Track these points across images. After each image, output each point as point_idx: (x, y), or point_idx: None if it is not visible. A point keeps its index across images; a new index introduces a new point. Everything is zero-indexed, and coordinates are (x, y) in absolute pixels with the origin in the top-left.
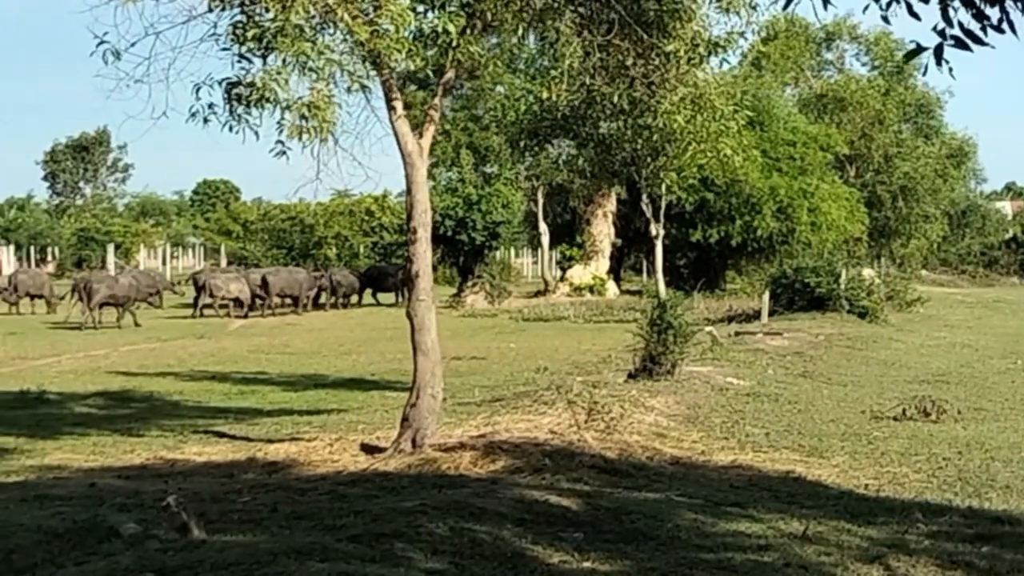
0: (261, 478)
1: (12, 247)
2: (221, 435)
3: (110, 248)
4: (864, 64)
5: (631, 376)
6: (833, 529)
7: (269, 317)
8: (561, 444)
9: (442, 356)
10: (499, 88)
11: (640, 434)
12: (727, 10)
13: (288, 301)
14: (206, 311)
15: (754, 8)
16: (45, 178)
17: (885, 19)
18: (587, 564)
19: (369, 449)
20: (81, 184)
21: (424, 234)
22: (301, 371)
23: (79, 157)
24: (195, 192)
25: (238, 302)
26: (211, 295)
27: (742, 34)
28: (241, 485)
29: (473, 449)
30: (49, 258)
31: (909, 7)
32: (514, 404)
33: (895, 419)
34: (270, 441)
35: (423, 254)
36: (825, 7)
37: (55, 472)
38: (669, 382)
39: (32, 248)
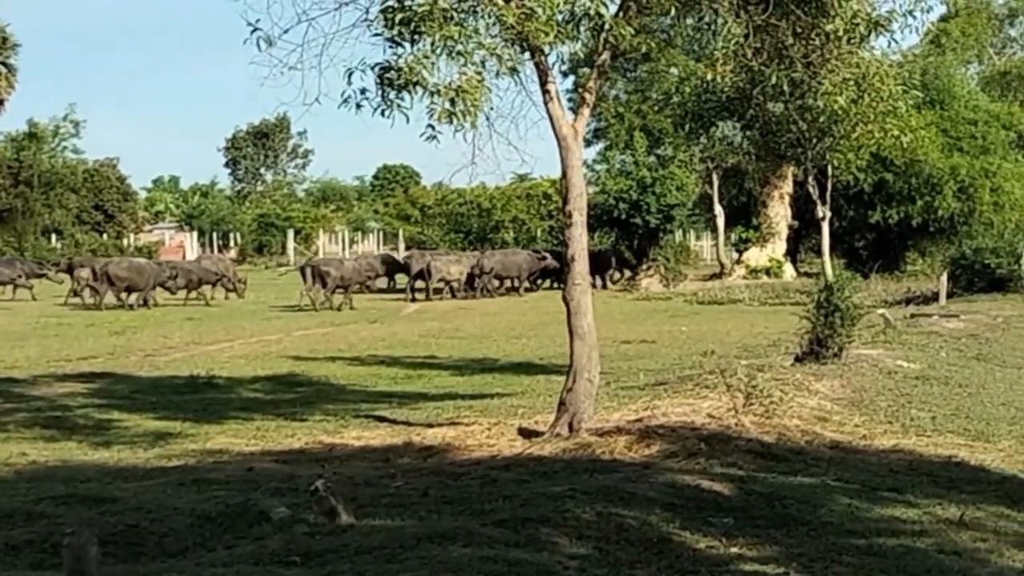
0: (416, 463)
1: (196, 233)
2: (382, 420)
3: (290, 234)
4: None
5: (798, 359)
6: (991, 515)
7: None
8: (718, 428)
9: (614, 340)
10: (673, 70)
11: (800, 418)
12: None
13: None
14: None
15: None
16: (227, 165)
17: None
18: (734, 550)
19: (526, 433)
20: (262, 170)
21: (579, 218)
22: (470, 355)
23: (260, 143)
24: (375, 177)
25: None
26: (430, 277)
27: (911, 12)
28: (395, 469)
29: (629, 433)
30: (231, 244)
31: None
32: (676, 388)
33: None
34: (429, 426)
35: (579, 238)
36: None
37: (215, 456)
38: (836, 365)
39: (215, 234)
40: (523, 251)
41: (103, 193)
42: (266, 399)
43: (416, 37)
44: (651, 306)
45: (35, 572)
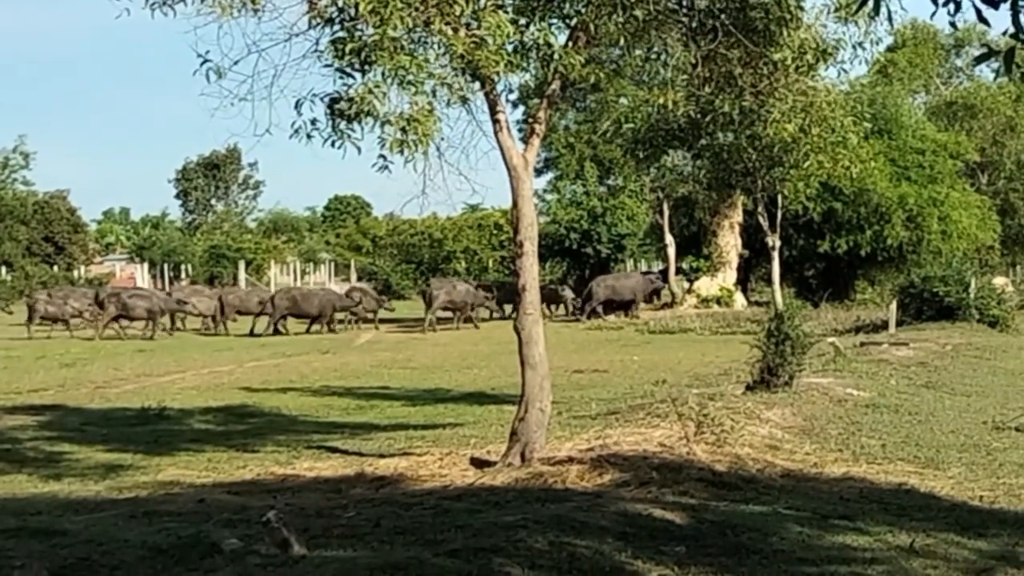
0: (368, 493)
1: (146, 264)
2: (334, 450)
3: (241, 265)
4: (994, 70)
5: (749, 388)
6: (942, 542)
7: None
8: (670, 457)
9: (566, 369)
10: (623, 100)
11: (752, 446)
12: (845, 21)
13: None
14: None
15: (873, 19)
16: (178, 196)
17: (953, 25)
18: None
19: (479, 463)
20: (213, 201)
21: (530, 247)
22: (422, 385)
23: (210, 175)
24: (327, 208)
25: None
26: (431, 304)
27: (860, 44)
28: (348, 500)
29: (581, 463)
30: (182, 275)
31: (978, 12)
32: (628, 417)
33: (1017, 429)
34: (381, 456)
35: (530, 267)
36: (876, 13)
37: (167, 488)
38: (787, 394)
39: (166, 265)
40: (636, 273)
41: (53, 225)
42: (218, 430)
43: (366, 67)
44: (603, 335)
45: None
